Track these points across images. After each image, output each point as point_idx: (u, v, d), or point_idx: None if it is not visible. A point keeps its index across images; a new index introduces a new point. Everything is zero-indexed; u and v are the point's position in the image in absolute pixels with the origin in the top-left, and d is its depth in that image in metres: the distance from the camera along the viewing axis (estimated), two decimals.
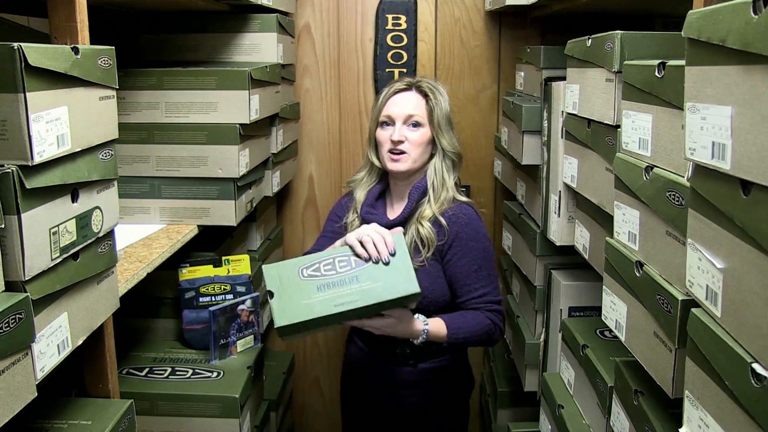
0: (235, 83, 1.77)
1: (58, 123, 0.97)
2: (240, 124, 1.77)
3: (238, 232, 2.18)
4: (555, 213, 1.75)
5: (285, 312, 1.44)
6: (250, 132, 1.86)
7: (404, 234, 1.68)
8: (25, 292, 0.92)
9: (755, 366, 0.70)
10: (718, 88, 0.75)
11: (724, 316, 0.78)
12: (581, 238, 1.60)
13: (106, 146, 1.14)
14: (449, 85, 2.54)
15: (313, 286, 1.47)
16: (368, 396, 1.93)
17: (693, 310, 0.86)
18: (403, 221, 1.78)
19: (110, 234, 1.19)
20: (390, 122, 1.80)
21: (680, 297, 0.95)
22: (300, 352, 2.82)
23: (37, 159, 0.92)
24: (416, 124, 1.78)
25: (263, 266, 1.51)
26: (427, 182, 1.80)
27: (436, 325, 1.69)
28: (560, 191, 1.72)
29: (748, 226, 0.70)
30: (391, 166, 1.79)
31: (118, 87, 1.16)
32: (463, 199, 1.83)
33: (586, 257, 1.57)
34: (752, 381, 0.70)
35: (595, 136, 1.42)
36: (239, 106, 1.78)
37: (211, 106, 1.77)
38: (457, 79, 2.59)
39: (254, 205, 2.03)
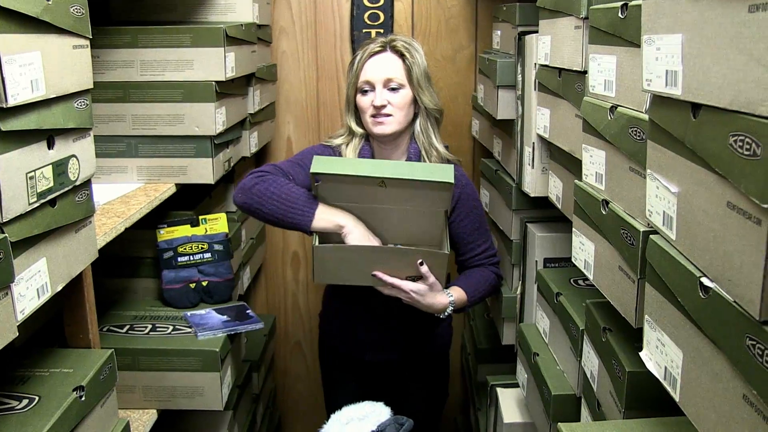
0: (210, 40, 1.76)
1: (31, 68, 0.98)
2: (216, 82, 1.78)
3: (217, 192, 2.19)
4: (529, 165, 1.77)
5: (323, 164, 1.59)
6: (226, 90, 1.86)
7: None
8: (3, 233, 0.93)
9: (703, 279, 0.73)
10: (670, 17, 0.77)
11: (678, 239, 0.82)
12: (554, 188, 1.63)
13: (81, 95, 1.15)
14: (426, 46, 2.56)
15: (357, 161, 1.70)
16: (349, 351, 1.96)
17: (651, 236, 0.90)
18: None
19: (87, 184, 1.20)
20: (370, 88, 1.77)
21: (642, 229, 0.98)
22: (281, 316, 2.85)
23: (12, 102, 0.93)
24: (397, 87, 1.76)
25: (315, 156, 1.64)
26: (419, 146, 1.81)
27: (458, 295, 1.78)
28: (534, 143, 1.74)
29: (696, 147, 0.73)
30: (377, 130, 1.77)
31: (91, 36, 1.17)
32: (451, 157, 1.86)
33: (560, 206, 1.60)
34: (700, 293, 0.73)
35: (566, 84, 1.44)
36: (215, 64, 1.78)
37: (187, 63, 1.77)
38: (434, 39, 2.59)
39: (232, 164, 2.04)
